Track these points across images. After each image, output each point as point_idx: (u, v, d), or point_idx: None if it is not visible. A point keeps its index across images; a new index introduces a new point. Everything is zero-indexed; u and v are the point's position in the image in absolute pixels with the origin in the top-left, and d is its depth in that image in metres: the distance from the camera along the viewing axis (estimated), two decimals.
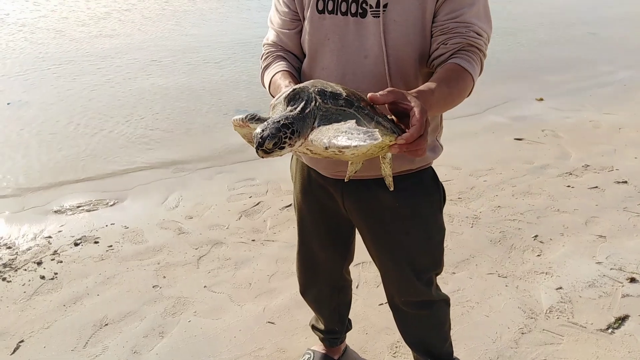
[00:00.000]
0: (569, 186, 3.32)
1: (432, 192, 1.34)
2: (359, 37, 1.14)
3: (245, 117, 0.95)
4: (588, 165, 3.66)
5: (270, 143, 0.81)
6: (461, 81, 1.08)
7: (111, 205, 3.10)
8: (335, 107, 0.86)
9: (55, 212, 3.01)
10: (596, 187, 3.30)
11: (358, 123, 0.84)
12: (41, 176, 3.48)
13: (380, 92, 0.91)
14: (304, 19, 1.21)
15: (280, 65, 1.23)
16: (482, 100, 5.54)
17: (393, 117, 0.96)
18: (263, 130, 0.81)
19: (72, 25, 8.09)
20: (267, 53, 1.28)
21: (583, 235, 2.71)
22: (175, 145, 4.07)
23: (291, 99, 0.87)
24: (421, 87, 1.01)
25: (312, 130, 0.85)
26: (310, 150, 0.88)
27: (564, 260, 2.48)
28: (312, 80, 0.96)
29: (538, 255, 2.53)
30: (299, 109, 0.85)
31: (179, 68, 6.13)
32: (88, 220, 2.90)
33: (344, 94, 0.89)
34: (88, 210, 3.02)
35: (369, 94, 0.91)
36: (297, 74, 1.25)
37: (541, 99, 5.53)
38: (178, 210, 3.04)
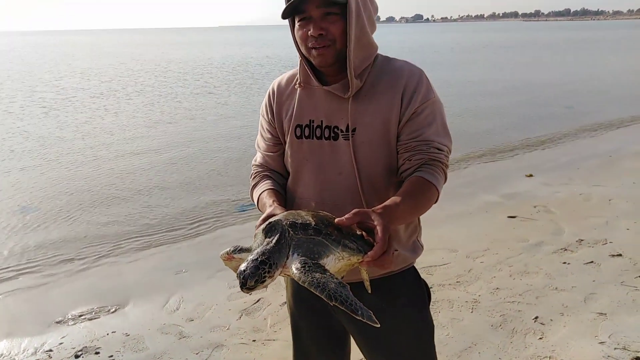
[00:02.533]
0: (565, 262, 3.35)
1: (416, 291, 1.41)
2: (333, 157, 1.28)
3: (230, 250, 1.07)
4: (582, 240, 3.71)
5: (252, 281, 0.91)
6: (426, 192, 1.20)
7: (113, 312, 3.11)
8: (305, 237, 0.98)
9: (57, 322, 3.02)
10: (592, 261, 3.33)
11: (325, 249, 0.95)
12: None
13: (346, 216, 1.02)
14: (285, 142, 1.37)
15: (266, 184, 1.37)
16: (474, 180, 5.73)
17: (363, 232, 1.06)
18: (244, 270, 0.92)
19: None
20: (255, 173, 1.44)
21: (583, 314, 2.70)
22: (177, 247, 4.17)
23: (268, 231, 0.99)
24: (387, 202, 1.12)
25: (287, 258, 0.96)
26: (288, 275, 0.99)
27: (567, 342, 2.46)
28: (285, 213, 1.08)
29: (540, 339, 2.51)
30: (274, 241, 0.96)
31: (178, 168, 6.41)
32: (89, 330, 2.90)
33: (313, 224, 1.00)
34: (90, 319, 3.04)
35: (336, 219, 1.03)
36: (281, 189, 1.38)
37: (530, 175, 5.71)
38: (179, 313, 3.05)
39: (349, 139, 1.25)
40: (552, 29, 79.66)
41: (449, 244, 3.84)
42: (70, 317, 3.08)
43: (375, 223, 1.00)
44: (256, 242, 1.00)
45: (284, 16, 1.21)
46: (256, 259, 0.92)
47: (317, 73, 1.28)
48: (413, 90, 1.23)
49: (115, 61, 26.65)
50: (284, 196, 1.37)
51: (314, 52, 1.20)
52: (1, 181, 6.00)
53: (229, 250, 1.06)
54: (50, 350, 2.71)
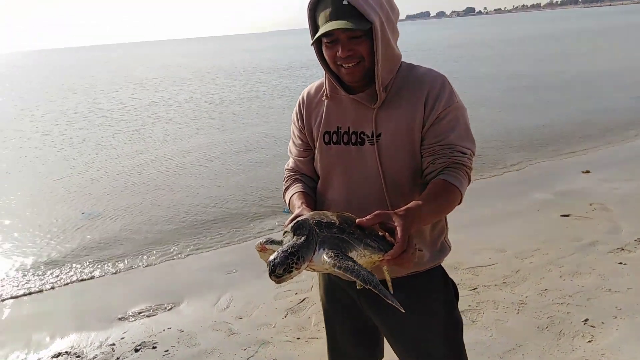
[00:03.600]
0: (620, 263, 3.20)
1: (442, 291, 1.44)
2: (359, 162, 1.34)
3: (263, 241, 1.16)
4: None
5: (281, 269, 1.00)
6: (449, 194, 1.24)
7: (169, 310, 3.32)
8: (330, 234, 1.05)
9: (119, 319, 3.26)
10: None
11: (348, 246, 1.02)
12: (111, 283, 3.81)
13: (366, 217, 1.09)
14: (314, 148, 1.44)
15: (297, 187, 1.45)
16: (526, 178, 5.55)
17: (386, 233, 1.12)
18: (274, 259, 1.01)
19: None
20: (288, 177, 1.52)
21: (639, 317, 2.58)
22: (228, 249, 4.36)
23: (296, 229, 1.07)
24: (410, 204, 1.17)
25: (314, 254, 1.03)
26: (314, 269, 1.06)
27: (619, 345, 2.37)
28: (312, 213, 1.16)
29: (589, 342, 2.43)
30: (302, 239, 1.04)
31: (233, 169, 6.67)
32: (148, 326, 3.12)
33: (337, 223, 1.07)
34: (148, 316, 3.26)
35: (357, 220, 1.09)
36: (311, 192, 1.46)
37: (587, 171, 5.44)
38: (229, 311, 3.20)
39: (374, 144, 1.31)
40: (617, 14, 74.76)
41: (497, 244, 3.76)
42: (130, 314, 3.31)
43: (396, 224, 1.06)
44: (286, 239, 1.09)
45: (313, 41, 1.26)
46: (286, 251, 1.01)
47: (342, 83, 1.35)
48: (436, 96, 1.26)
49: (171, 72, 27.89)
50: (313, 198, 1.44)
51: (343, 69, 1.26)
52: (67, 185, 6.50)
53: (262, 240, 1.15)
54: (114, 344, 2.94)
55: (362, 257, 1.06)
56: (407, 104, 1.28)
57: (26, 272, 4.16)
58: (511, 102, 10.43)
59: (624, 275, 3.03)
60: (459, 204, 1.29)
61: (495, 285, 3.13)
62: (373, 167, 1.32)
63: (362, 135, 1.33)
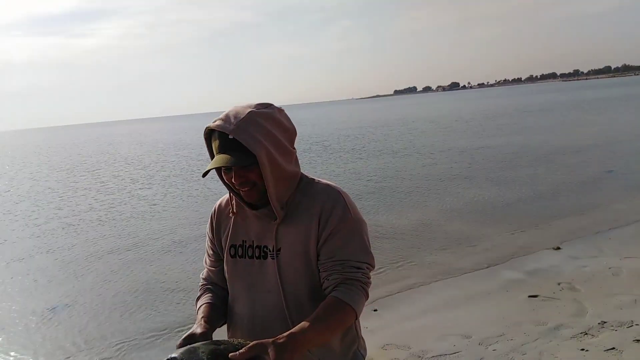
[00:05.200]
0: (583, 349, 3.14)
1: None
2: (262, 275, 1.37)
3: None
4: (605, 322, 3.48)
5: None
6: (340, 313, 1.25)
7: None
8: None
9: None
10: (613, 347, 3.11)
11: None
12: None
13: (240, 351, 1.08)
14: (224, 260, 1.47)
15: (205, 298, 1.47)
16: (499, 255, 5.54)
17: None
18: None
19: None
20: (201, 286, 1.55)
21: None
22: None
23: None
24: (294, 329, 1.18)
25: None
26: None
27: None
28: (183, 350, 1.12)
29: None
30: None
31: None
32: None
33: None
34: None
35: (230, 355, 1.09)
36: (220, 302, 1.47)
37: (558, 248, 5.47)
38: None
39: (274, 258, 1.34)
40: (592, 88, 78.70)
41: (463, 329, 3.70)
42: None
43: (270, 358, 1.05)
44: None
45: (204, 173, 1.31)
46: None
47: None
48: (329, 212, 1.31)
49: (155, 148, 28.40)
50: (220, 309, 1.45)
51: (241, 192, 1.32)
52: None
53: None
54: None
55: None
56: (303, 220, 1.32)
57: None
58: (484, 176, 10.66)
59: None
60: (355, 319, 1.30)
61: None
62: (274, 281, 1.34)
63: (265, 249, 1.36)
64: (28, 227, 9.32)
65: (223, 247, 1.46)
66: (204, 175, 1.29)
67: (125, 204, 10.94)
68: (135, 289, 5.50)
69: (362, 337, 1.48)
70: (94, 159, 24.80)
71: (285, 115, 1.35)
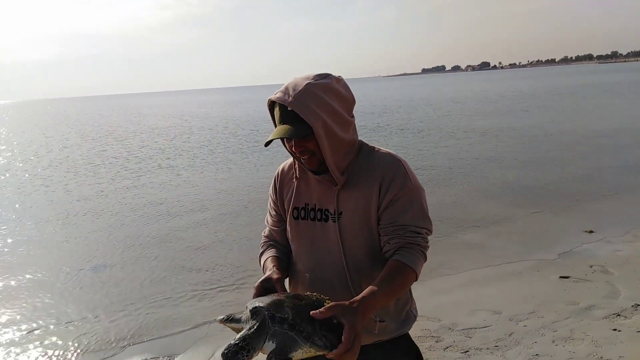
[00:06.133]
0: (615, 329, 3.17)
1: (406, 358, 1.50)
2: (323, 237, 1.45)
3: (224, 319, 1.25)
4: (639, 305, 3.49)
5: None
6: (403, 275, 1.33)
7: None
8: (281, 329, 1.15)
9: None
10: None
11: (295, 344, 1.12)
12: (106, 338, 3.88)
13: (320, 310, 1.16)
14: (286, 221, 1.56)
15: (270, 252, 1.56)
16: (531, 238, 5.52)
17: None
18: (227, 351, 1.10)
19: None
20: (263, 243, 1.64)
21: None
22: (226, 296, 4.42)
23: (253, 314, 1.18)
24: (365, 292, 1.24)
25: (264, 343, 1.14)
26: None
27: None
28: (270, 300, 1.21)
29: None
30: (255, 327, 1.15)
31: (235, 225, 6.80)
32: None
33: (290, 318, 1.16)
34: None
35: (311, 312, 1.16)
36: (284, 257, 1.56)
37: (591, 231, 5.43)
38: None
39: (336, 222, 1.42)
40: (632, 70, 75.54)
41: (493, 305, 3.76)
42: None
43: (345, 321, 1.13)
44: (244, 316, 1.19)
45: (266, 143, 1.35)
46: (237, 344, 1.11)
47: None
48: (390, 180, 1.37)
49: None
50: (285, 262, 1.54)
51: (302, 159, 1.39)
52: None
53: (222, 318, 1.24)
54: None
55: (307, 353, 1.15)
56: (365, 187, 1.39)
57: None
58: (518, 158, 10.51)
59: (617, 343, 3.00)
60: (415, 280, 1.38)
61: (487, 348, 3.11)
62: (335, 242, 1.43)
63: (326, 212, 1.44)
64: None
65: (286, 209, 1.54)
66: (267, 144, 1.34)
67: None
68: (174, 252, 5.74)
69: (414, 298, 1.56)
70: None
71: (344, 84, 1.39)
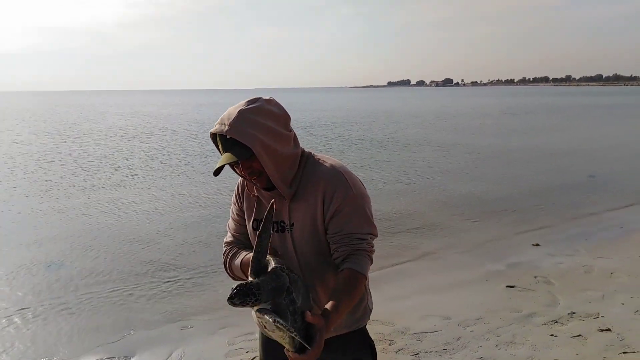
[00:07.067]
0: (552, 335, 3.42)
1: (361, 351, 1.63)
2: (282, 245, 1.57)
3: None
4: (574, 313, 3.78)
5: (238, 301, 1.20)
6: (357, 282, 1.45)
7: None
8: (285, 306, 1.25)
9: None
10: (579, 335, 3.40)
11: (285, 322, 1.23)
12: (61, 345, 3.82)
13: (312, 316, 1.27)
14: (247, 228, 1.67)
15: (244, 252, 1.62)
16: (483, 249, 5.81)
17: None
18: (240, 288, 1.20)
19: None
20: (230, 248, 1.71)
21: None
22: (184, 297, 4.43)
23: (276, 275, 1.28)
24: (328, 307, 1.35)
25: (267, 302, 1.24)
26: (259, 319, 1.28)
27: None
28: (293, 274, 1.33)
29: None
30: (272, 286, 1.24)
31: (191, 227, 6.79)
32: None
33: (297, 305, 1.27)
34: None
35: (306, 317, 1.27)
36: None
37: (537, 245, 5.78)
38: None
39: (290, 232, 1.55)
40: (583, 94, 79.81)
41: (444, 311, 3.96)
42: None
43: (318, 336, 1.26)
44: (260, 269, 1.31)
45: (215, 171, 1.46)
46: (251, 288, 1.21)
47: None
48: (332, 192, 1.48)
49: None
50: None
51: (252, 180, 1.50)
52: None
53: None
54: None
55: (281, 339, 1.26)
56: (310, 198, 1.51)
57: None
58: (476, 173, 10.97)
59: (554, 347, 3.25)
60: (365, 281, 1.52)
61: (436, 351, 3.30)
62: (291, 250, 1.55)
63: (282, 223, 1.56)
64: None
65: (247, 219, 1.65)
66: (216, 173, 1.45)
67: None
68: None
69: (370, 291, 1.70)
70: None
71: (276, 102, 1.51)
